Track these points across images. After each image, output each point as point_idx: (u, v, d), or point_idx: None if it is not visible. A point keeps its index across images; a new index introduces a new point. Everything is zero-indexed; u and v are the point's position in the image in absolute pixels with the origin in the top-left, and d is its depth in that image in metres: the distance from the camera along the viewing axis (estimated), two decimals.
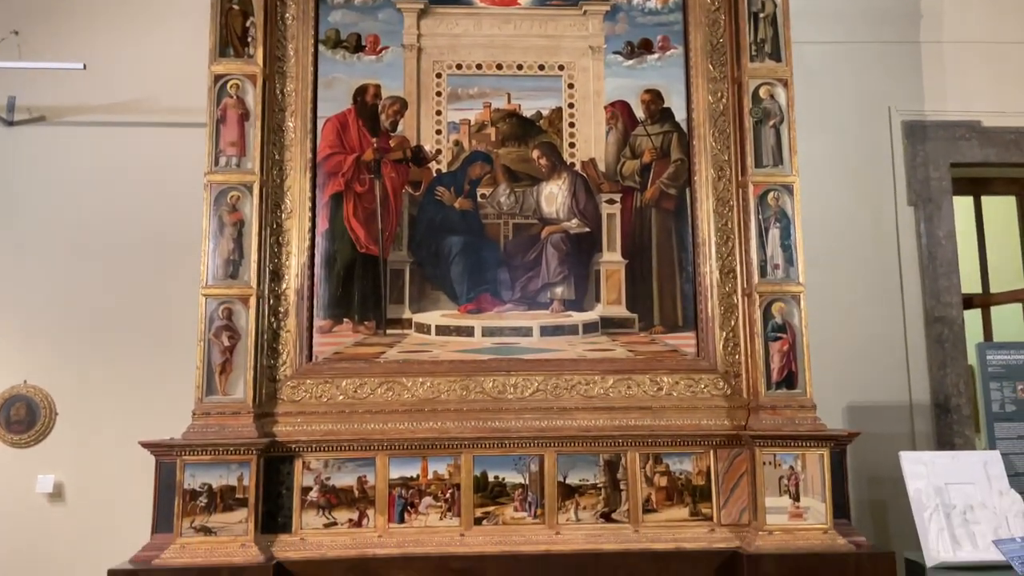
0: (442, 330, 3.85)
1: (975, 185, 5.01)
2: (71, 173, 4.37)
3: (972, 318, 4.78)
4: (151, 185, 4.32)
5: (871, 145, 4.68)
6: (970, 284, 4.88)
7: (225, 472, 3.49)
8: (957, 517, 3.60)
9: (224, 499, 3.48)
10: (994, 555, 3.46)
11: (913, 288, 4.58)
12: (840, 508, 3.65)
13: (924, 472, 3.73)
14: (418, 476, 3.66)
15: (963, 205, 4.96)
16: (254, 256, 3.66)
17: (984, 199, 5.05)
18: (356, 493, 3.63)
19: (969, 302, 4.79)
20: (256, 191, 3.70)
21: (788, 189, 3.82)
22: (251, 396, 3.58)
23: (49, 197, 4.35)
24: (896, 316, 4.56)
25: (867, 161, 4.66)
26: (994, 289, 5.03)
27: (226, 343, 3.60)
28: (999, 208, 5.25)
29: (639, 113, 4.02)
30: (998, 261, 5.11)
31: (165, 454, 3.55)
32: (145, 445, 3.58)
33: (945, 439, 4.45)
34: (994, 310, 4.98)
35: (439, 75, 4.00)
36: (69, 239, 4.32)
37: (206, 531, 3.45)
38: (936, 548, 3.53)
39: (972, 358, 4.56)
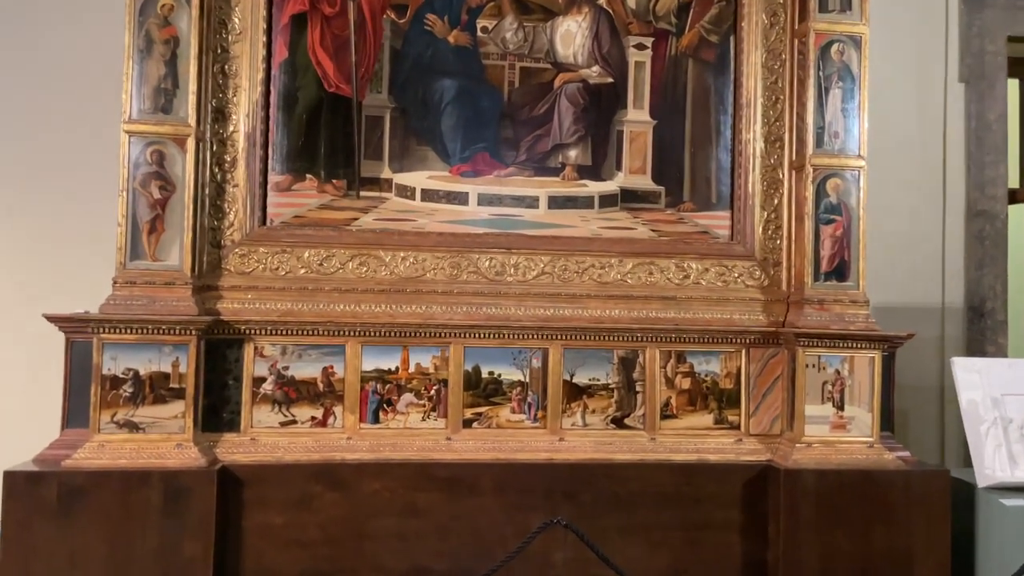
0: (429, 195, 3.14)
1: (1021, 65, 4.44)
2: None
3: (1014, 214, 4.29)
4: None
5: (923, 8, 4.04)
6: (1010, 177, 4.38)
7: (156, 356, 2.79)
8: (1015, 432, 3.16)
9: (155, 389, 2.79)
10: None
11: (957, 176, 4.05)
12: (885, 419, 3.17)
13: (979, 381, 3.26)
14: (397, 369, 3.02)
15: (1010, 88, 4.40)
16: (192, 86, 2.86)
17: None
18: (321, 387, 2.99)
19: (1012, 196, 4.29)
20: (196, 0, 2.86)
21: (855, 41, 3.16)
22: (189, 263, 2.84)
23: None
24: (935, 207, 4.04)
25: (917, 27, 4.03)
26: None
27: (156, 195, 2.83)
28: None
29: None
30: None
31: (78, 331, 2.83)
32: (52, 319, 2.84)
33: (976, 346, 4.02)
34: None
35: None
36: None
37: (132, 427, 2.77)
38: (992, 466, 3.10)
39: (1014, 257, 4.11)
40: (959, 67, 4.05)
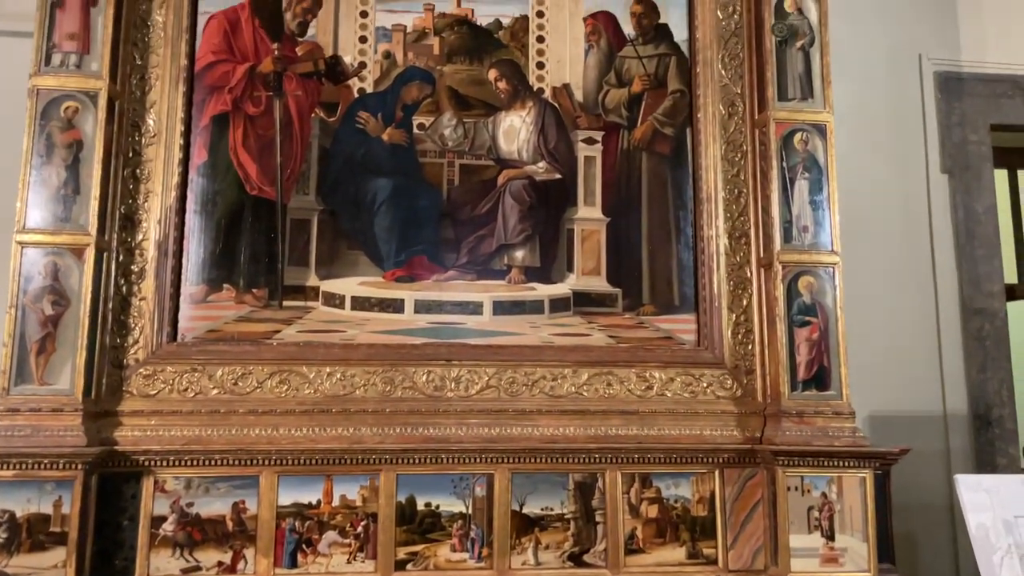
0: (360, 303, 2.86)
1: (1011, 156, 4.22)
2: None
3: (1013, 312, 3.97)
4: None
5: (899, 99, 3.84)
6: (1006, 273, 4.08)
7: (36, 494, 2.44)
8: None
9: (33, 533, 2.43)
10: None
11: (948, 273, 3.74)
12: (884, 549, 2.76)
13: (988, 502, 2.85)
14: (319, 502, 2.65)
15: (998, 179, 4.17)
16: (96, 192, 2.63)
17: (1021, 173, 4.28)
18: (230, 525, 2.61)
19: (1010, 292, 3.97)
20: (103, 103, 2.67)
21: (820, 130, 2.94)
22: (81, 386, 2.53)
23: None
24: (927, 307, 3.71)
25: (894, 118, 3.82)
26: None
27: (49, 311, 2.55)
28: None
29: (628, 29, 3.11)
30: None
31: None
32: None
33: (985, 459, 3.62)
34: None
35: None
36: None
37: None
38: None
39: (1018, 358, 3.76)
40: (940, 157, 3.82)
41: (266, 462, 2.63)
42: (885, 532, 2.79)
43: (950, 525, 3.52)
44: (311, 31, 2.96)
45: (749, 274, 2.96)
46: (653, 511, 2.78)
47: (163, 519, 2.58)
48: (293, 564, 2.61)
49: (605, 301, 2.95)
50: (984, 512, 2.82)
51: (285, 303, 2.83)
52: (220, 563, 2.59)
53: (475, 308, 2.89)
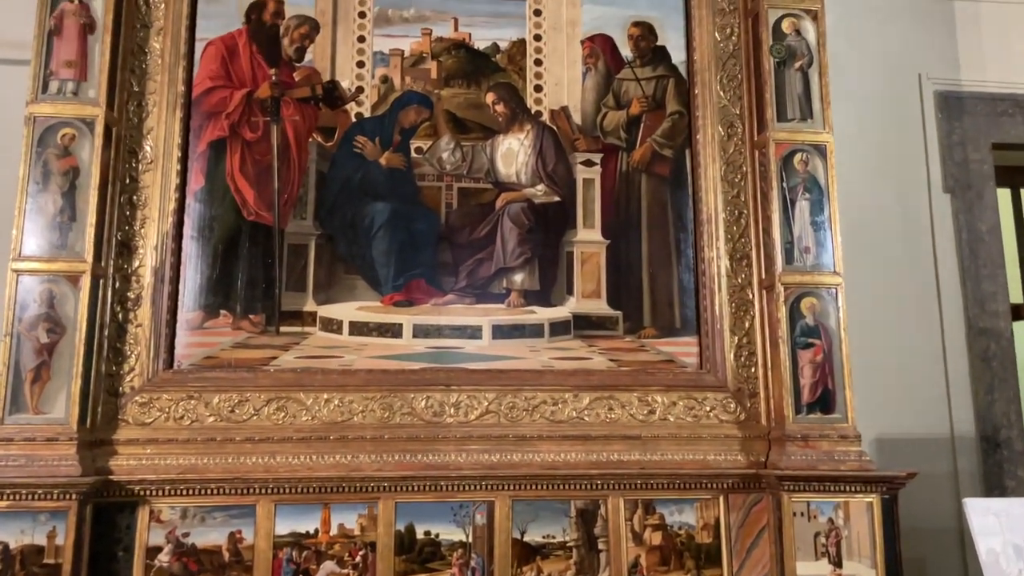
0: (358, 328, 2.83)
1: (1014, 174, 4.20)
2: None
3: (1019, 332, 3.93)
4: None
5: (899, 118, 3.82)
6: (1011, 292, 4.05)
7: (30, 525, 2.41)
8: None
9: (27, 565, 2.39)
10: None
11: (952, 293, 3.70)
12: (892, 575, 2.71)
13: (997, 526, 2.80)
14: (316, 531, 2.62)
15: (1001, 198, 4.14)
16: (91, 219, 2.62)
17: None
18: (226, 556, 2.57)
19: (1016, 312, 3.94)
20: (99, 129, 2.66)
21: (820, 150, 2.93)
22: (76, 415, 2.51)
23: None
24: (932, 327, 3.66)
25: (895, 138, 3.80)
26: None
27: (44, 339, 2.53)
28: None
29: (625, 51, 3.11)
30: None
31: None
32: None
33: (994, 481, 3.56)
34: None
35: None
36: None
37: None
38: None
39: None
40: (942, 177, 3.80)
41: (263, 491, 2.60)
42: (894, 558, 2.73)
43: (960, 550, 3.46)
44: (308, 56, 2.96)
45: (751, 296, 2.94)
46: (657, 538, 2.73)
47: (159, 550, 2.55)
48: None
49: (606, 324, 2.92)
50: (994, 536, 2.77)
51: (282, 329, 2.80)
52: None
53: (474, 332, 2.87)
